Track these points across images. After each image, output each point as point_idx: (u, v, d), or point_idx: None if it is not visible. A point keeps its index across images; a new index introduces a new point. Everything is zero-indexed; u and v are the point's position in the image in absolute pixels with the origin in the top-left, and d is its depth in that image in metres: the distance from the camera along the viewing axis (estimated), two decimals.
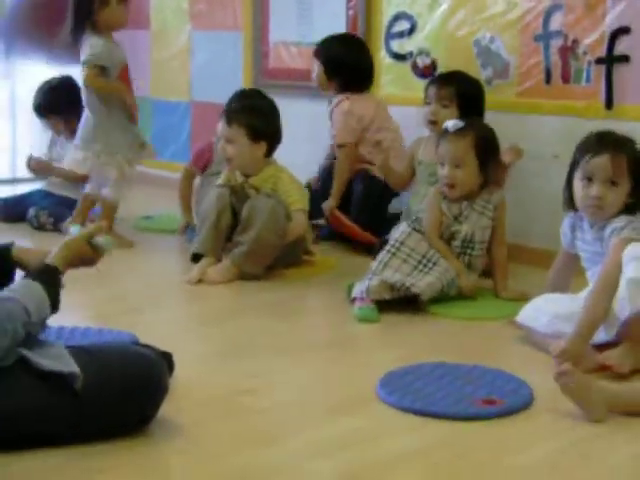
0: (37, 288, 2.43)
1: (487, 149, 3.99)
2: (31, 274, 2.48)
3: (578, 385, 2.71)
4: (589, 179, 3.35)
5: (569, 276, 3.64)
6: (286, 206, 4.31)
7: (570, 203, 3.48)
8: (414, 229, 3.92)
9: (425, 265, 3.85)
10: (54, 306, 2.49)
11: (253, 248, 4.19)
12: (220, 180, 4.47)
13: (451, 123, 4.02)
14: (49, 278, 2.50)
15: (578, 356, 3.02)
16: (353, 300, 3.77)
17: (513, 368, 3.09)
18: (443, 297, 3.86)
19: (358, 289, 3.76)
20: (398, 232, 3.94)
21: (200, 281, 4.18)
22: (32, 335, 2.42)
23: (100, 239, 2.69)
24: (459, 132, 3.98)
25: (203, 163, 5.13)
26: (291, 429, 2.67)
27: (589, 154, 3.36)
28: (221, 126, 4.47)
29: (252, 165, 4.40)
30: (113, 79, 4.86)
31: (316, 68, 5.10)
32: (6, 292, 2.37)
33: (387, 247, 3.87)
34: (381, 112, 5.00)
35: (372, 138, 4.92)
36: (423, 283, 3.76)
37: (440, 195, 4.02)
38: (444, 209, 3.99)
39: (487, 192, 4.02)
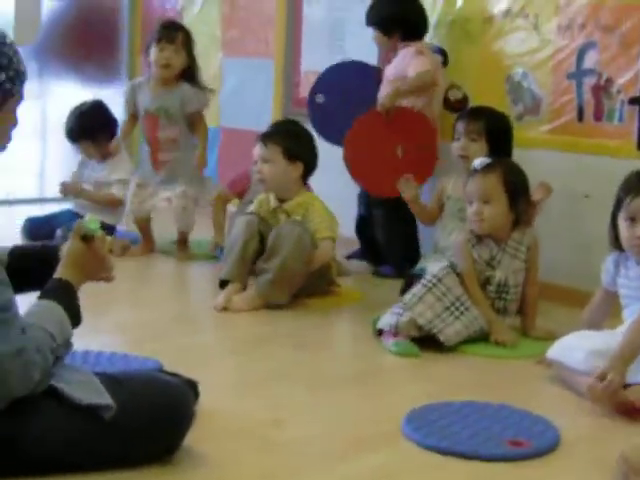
0: (56, 308, 2.42)
1: (516, 185, 3.94)
2: (46, 293, 2.46)
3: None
4: (632, 219, 3.34)
5: (605, 314, 3.60)
6: (313, 233, 4.30)
7: (615, 242, 3.45)
8: (452, 269, 3.86)
9: (457, 308, 3.78)
10: (75, 320, 2.48)
11: (278, 276, 4.19)
12: (252, 207, 4.46)
13: (478, 161, 4.01)
14: (63, 293, 2.48)
15: (617, 381, 2.99)
16: (380, 333, 3.75)
17: (541, 409, 3.06)
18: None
19: (386, 322, 3.74)
20: (437, 268, 3.86)
21: (226, 308, 4.17)
22: (60, 359, 2.41)
23: (83, 227, 2.63)
24: (487, 168, 3.96)
25: (240, 189, 5.15)
26: (315, 463, 2.65)
27: (631, 194, 3.35)
28: (257, 149, 4.46)
29: (287, 187, 4.41)
30: None
31: (375, 35, 5.09)
32: (29, 318, 2.36)
33: (424, 281, 3.80)
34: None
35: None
36: (451, 331, 3.72)
37: (469, 242, 3.95)
38: (475, 255, 3.94)
39: (519, 232, 3.96)
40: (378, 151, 4.85)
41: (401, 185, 4.50)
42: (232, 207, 5.32)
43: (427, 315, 3.72)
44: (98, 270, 2.64)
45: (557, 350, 3.40)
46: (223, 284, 4.32)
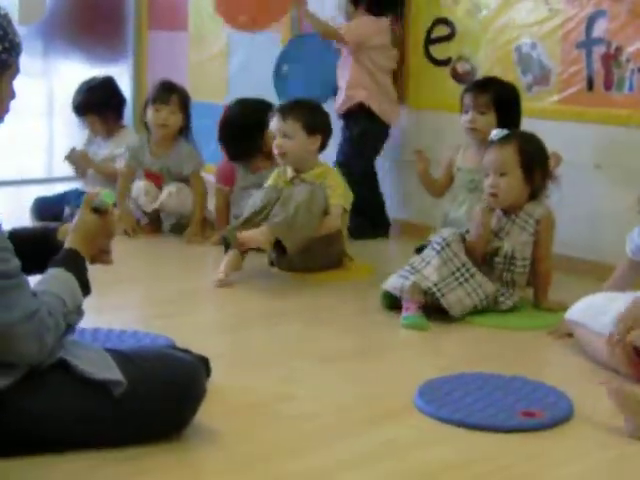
0: (66, 276, 2.42)
1: (533, 157, 3.89)
2: (56, 262, 2.46)
3: (628, 398, 2.65)
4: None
5: (629, 284, 3.57)
6: (326, 197, 4.31)
7: None
8: (462, 237, 3.87)
9: (462, 274, 3.78)
10: (85, 290, 2.47)
11: (290, 220, 4.17)
12: (270, 180, 4.46)
13: (495, 132, 3.97)
14: (74, 263, 2.48)
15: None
16: (391, 305, 3.75)
17: (553, 379, 3.05)
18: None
19: (391, 283, 3.78)
20: (447, 232, 3.87)
21: (227, 275, 4.19)
22: (72, 327, 2.40)
23: (97, 199, 2.61)
24: (503, 140, 3.92)
25: (230, 180, 5.14)
26: (327, 438, 2.64)
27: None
28: (275, 123, 4.44)
29: (306, 160, 4.43)
30: None
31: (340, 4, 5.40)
32: (39, 286, 2.36)
33: (433, 244, 3.82)
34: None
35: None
36: (453, 297, 3.72)
37: (489, 212, 3.92)
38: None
39: (532, 205, 3.91)
40: None
41: (417, 157, 4.51)
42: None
43: (433, 278, 3.71)
44: (106, 245, 2.63)
45: (580, 311, 3.35)
46: (228, 246, 4.31)
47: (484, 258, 3.90)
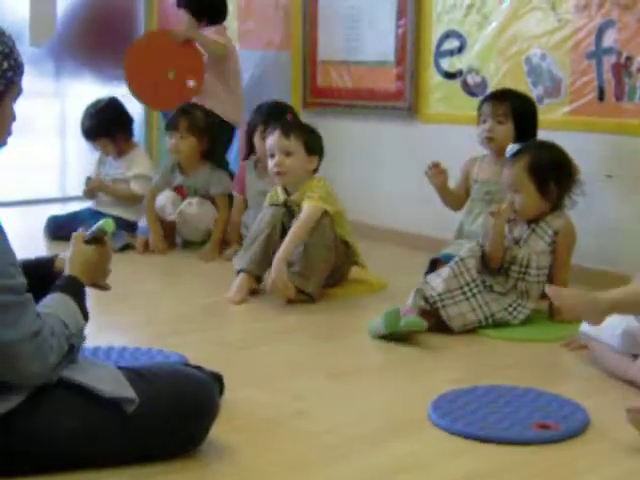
0: (68, 300, 2.43)
1: (544, 171, 3.86)
2: (58, 287, 2.47)
3: None
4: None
5: None
6: (332, 225, 4.28)
7: None
8: (478, 251, 3.87)
9: (471, 289, 3.78)
10: (84, 316, 2.48)
11: (306, 265, 4.18)
12: (267, 201, 4.44)
13: (509, 148, 3.97)
14: (74, 289, 2.49)
15: None
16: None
17: (568, 392, 3.04)
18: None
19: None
20: (464, 250, 3.89)
21: (243, 301, 4.19)
22: (76, 348, 2.40)
23: (93, 229, 2.64)
24: (514, 157, 3.92)
25: (242, 187, 5.17)
26: (342, 453, 2.63)
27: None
28: (275, 140, 4.38)
29: (301, 180, 4.36)
30: None
31: (184, 19, 5.99)
32: (41, 308, 2.36)
33: (451, 263, 3.84)
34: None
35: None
36: (455, 310, 3.72)
37: (499, 217, 3.89)
38: (507, 231, 3.93)
39: (553, 216, 3.90)
40: (153, 68, 5.87)
41: (430, 173, 4.48)
42: None
43: (438, 288, 3.72)
44: (104, 271, 2.68)
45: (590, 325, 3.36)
46: (240, 273, 4.32)
47: (501, 266, 3.89)
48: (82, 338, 2.45)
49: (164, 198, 5.31)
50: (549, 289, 3.18)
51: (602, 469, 2.54)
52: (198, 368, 2.70)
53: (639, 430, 2.64)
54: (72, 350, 2.38)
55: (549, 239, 3.88)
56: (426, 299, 3.73)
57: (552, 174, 3.88)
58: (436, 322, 3.72)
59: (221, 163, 5.64)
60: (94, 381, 2.38)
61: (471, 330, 3.75)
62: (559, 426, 2.74)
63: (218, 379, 2.78)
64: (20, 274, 2.27)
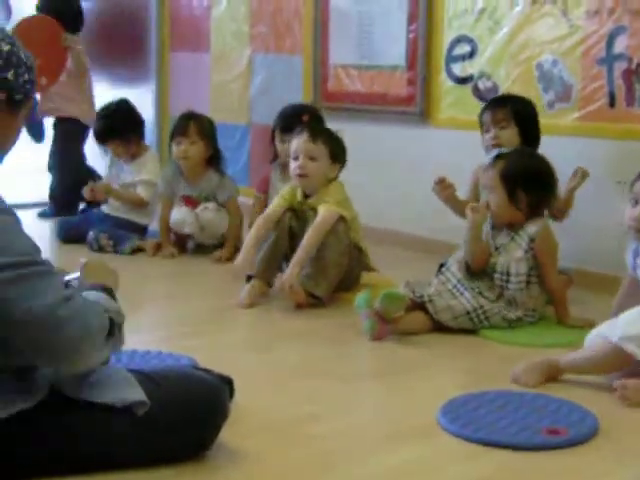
0: (95, 292, 2.45)
1: (514, 179, 3.89)
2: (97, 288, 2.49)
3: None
4: (636, 201, 3.39)
5: (635, 302, 3.56)
6: (346, 230, 4.29)
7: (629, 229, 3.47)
8: (462, 259, 3.97)
9: (458, 289, 3.86)
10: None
11: (319, 269, 4.20)
12: (279, 200, 4.43)
13: (493, 152, 4.05)
14: (101, 289, 2.50)
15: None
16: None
17: (577, 397, 3.04)
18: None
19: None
20: (451, 257, 4.03)
21: (251, 305, 4.20)
22: (118, 327, 2.40)
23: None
24: (493, 160, 3.99)
25: (264, 187, 5.16)
26: (351, 457, 2.64)
27: (636, 177, 3.41)
28: (301, 143, 4.37)
29: (320, 186, 4.37)
30: None
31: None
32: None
33: (437, 273, 3.99)
34: None
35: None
36: (442, 303, 3.80)
37: (478, 222, 3.96)
38: (489, 239, 3.97)
39: (531, 223, 3.92)
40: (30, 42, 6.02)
41: (436, 189, 4.50)
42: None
43: (428, 291, 3.83)
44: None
45: (589, 340, 3.38)
46: (250, 278, 4.33)
47: (485, 270, 3.94)
48: (122, 316, 2.43)
49: (181, 213, 5.30)
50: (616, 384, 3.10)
51: (611, 475, 2.54)
52: (207, 371, 2.71)
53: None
54: (113, 326, 2.36)
55: (525, 246, 3.90)
56: (414, 292, 3.81)
57: (521, 183, 3.90)
58: (431, 322, 3.79)
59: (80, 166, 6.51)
60: (105, 389, 2.38)
61: (473, 332, 3.78)
62: (569, 431, 2.74)
63: (228, 382, 2.79)
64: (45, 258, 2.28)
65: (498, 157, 3.98)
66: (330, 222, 4.24)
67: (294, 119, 4.89)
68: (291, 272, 4.13)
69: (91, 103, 6.58)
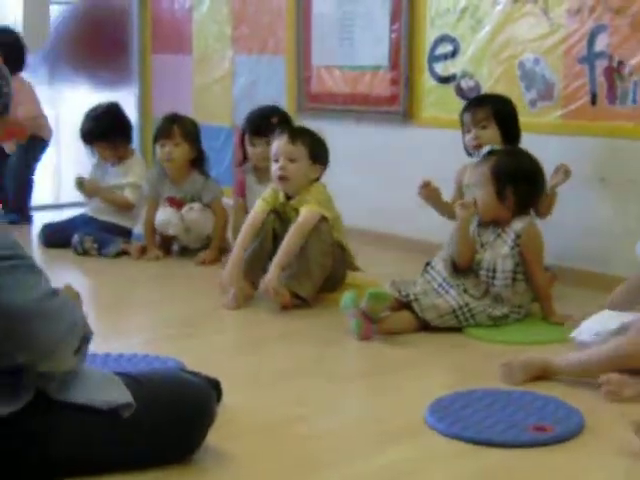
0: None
1: (504, 176, 3.92)
2: None
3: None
4: None
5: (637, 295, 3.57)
6: (329, 230, 4.30)
7: None
8: (451, 256, 3.98)
9: (443, 288, 3.88)
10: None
11: (302, 270, 4.20)
12: (262, 203, 4.43)
13: (485, 148, 4.07)
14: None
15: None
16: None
17: (563, 394, 3.05)
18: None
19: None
20: (437, 256, 4.04)
21: (239, 307, 4.20)
22: (87, 341, 2.40)
23: None
24: (485, 157, 4.03)
25: (241, 190, 5.17)
26: (341, 458, 2.64)
27: None
28: (281, 145, 4.37)
29: (302, 187, 4.36)
30: None
31: None
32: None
33: (422, 271, 4.02)
34: None
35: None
36: (427, 302, 3.81)
37: (466, 218, 3.98)
38: (475, 235, 3.99)
39: (517, 220, 3.94)
40: None
41: (423, 193, 4.53)
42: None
43: (413, 290, 3.85)
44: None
45: (583, 331, 3.40)
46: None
47: (472, 269, 3.96)
48: (91, 331, 2.42)
49: (165, 214, 5.30)
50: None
51: (598, 471, 2.56)
52: (194, 374, 2.71)
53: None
54: (86, 338, 2.37)
55: (511, 242, 3.92)
56: (400, 291, 3.84)
57: (511, 181, 3.93)
58: (417, 321, 3.80)
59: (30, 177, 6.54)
60: (91, 391, 2.38)
61: (459, 330, 3.80)
62: (555, 428, 2.75)
63: (215, 385, 2.79)
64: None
65: (490, 154, 4.00)
66: (311, 222, 4.24)
67: (263, 122, 4.93)
68: (272, 274, 4.13)
69: (45, 120, 6.56)
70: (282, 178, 4.35)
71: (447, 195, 4.59)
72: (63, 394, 2.36)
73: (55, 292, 2.25)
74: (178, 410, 2.45)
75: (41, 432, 2.33)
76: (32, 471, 2.34)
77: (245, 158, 5.15)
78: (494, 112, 4.37)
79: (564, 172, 4.27)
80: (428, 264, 4.06)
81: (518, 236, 3.91)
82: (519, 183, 3.94)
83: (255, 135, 4.98)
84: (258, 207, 4.42)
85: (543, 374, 3.22)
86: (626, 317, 3.30)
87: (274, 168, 4.37)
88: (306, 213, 4.25)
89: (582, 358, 3.19)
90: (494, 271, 3.91)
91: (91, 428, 2.37)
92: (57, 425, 2.34)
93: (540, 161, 4.04)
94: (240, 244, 4.37)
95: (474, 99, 4.64)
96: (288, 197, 4.39)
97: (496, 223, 3.97)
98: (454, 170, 4.62)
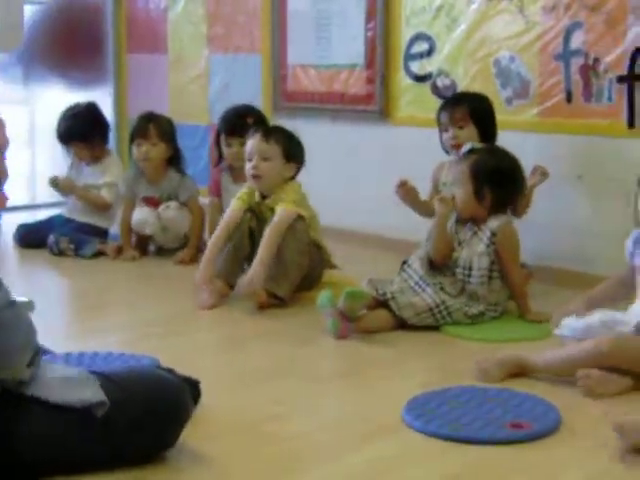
0: None
1: (482, 175, 3.93)
2: None
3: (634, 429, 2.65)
4: None
5: (627, 286, 3.56)
6: (306, 230, 4.29)
7: (636, 220, 3.49)
8: (428, 255, 4.00)
9: (420, 286, 3.89)
10: None
11: (280, 270, 4.19)
12: (237, 202, 4.42)
13: (465, 147, 4.07)
14: None
15: None
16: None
17: (540, 391, 3.06)
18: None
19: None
20: (413, 255, 4.05)
21: (215, 306, 4.19)
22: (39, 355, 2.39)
23: None
24: (465, 155, 4.04)
25: (216, 190, 5.17)
26: (317, 457, 2.64)
27: None
28: (254, 144, 4.37)
29: (276, 186, 4.35)
30: None
31: None
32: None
33: (399, 270, 4.02)
34: None
35: None
36: (404, 300, 3.80)
37: (445, 214, 4.00)
38: (452, 232, 4.00)
39: (493, 218, 3.95)
40: None
41: (400, 192, 4.54)
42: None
43: (390, 289, 3.85)
44: None
45: (565, 327, 3.41)
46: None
47: (447, 265, 3.97)
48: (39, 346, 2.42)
49: (142, 213, 5.27)
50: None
51: (575, 467, 2.55)
52: (170, 371, 2.69)
53: (623, 436, 2.62)
54: (39, 351, 2.36)
55: (487, 240, 3.93)
56: (377, 290, 3.83)
57: (489, 181, 3.94)
58: (394, 320, 3.80)
59: None
60: (64, 389, 2.36)
61: (436, 329, 3.80)
62: (532, 425, 2.75)
63: (194, 385, 2.78)
64: None
65: (470, 152, 4.01)
66: (287, 221, 4.23)
67: (238, 122, 4.96)
68: (257, 273, 4.11)
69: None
70: (255, 177, 4.34)
71: (424, 193, 4.59)
72: (35, 390, 2.34)
73: (13, 303, 2.23)
74: (153, 406, 2.44)
75: (10, 428, 2.30)
76: (3, 473, 2.32)
77: (221, 158, 5.14)
78: (471, 111, 4.38)
79: (541, 174, 4.28)
80: (405, 262, 4.05)
81: (494, 234, 3.91)
82: (497, 183, 3.94)
83: (230, 135, 4.99)
84: (234, 206, 4.41)
85: (520, 371, 3.22)
86: (605, 315, 3.30)
87: (248, 167, 4.36)
88: (282, 212, 4.24)
89: (561, 356, 3.19)
90: (470, 269, 3.91)
91: (64, 426, 2.35)
92: (27, 421, 2.32)
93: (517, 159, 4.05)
94: (214, 242, 4.36)
95: (451, 98, 4.64)
96: (263, 196, 4.38)
97: (473, 221, 3.98)
98: (430, 169, 4.62)
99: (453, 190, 4.01)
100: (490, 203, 3.93)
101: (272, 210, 4.31)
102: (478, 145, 4.13)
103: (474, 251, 3.92)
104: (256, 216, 4.38)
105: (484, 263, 3.90)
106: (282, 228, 4.21)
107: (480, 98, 4.50)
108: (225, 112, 5.16)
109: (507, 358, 3.25)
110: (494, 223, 3.93)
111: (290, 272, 4.21)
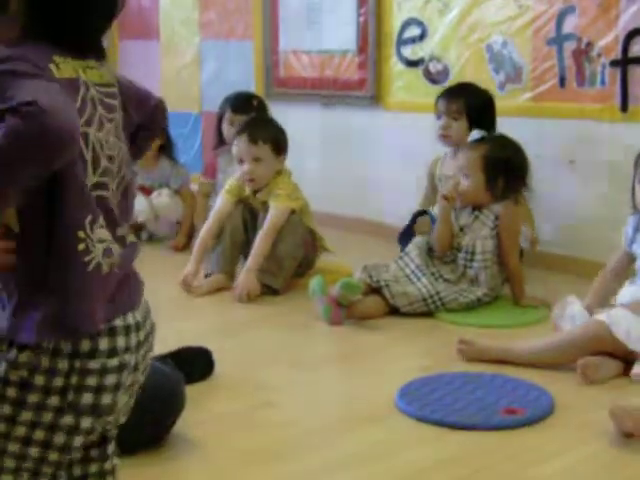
0: None
1: (496, 165, 3.92)
2: None
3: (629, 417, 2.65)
4: None
5: (621, 276, 3.56)
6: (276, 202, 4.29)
7: (635, 206, 3.48)
8: (427, 243, 4.00)
9: (415, 275, 3.88)
10: None
11: (276, 263, 4.19)
12: (227, 195, 4.40)
13: (473, 134, 4.04)
14: None
15: None
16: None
17: (534, 377, 3.05)
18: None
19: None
20: (411, 243, 4.04)
21: (205, 294, 4.21)
22: None
23: None
24: (474, 144, 3.98)
25: (212, 172, 5.16)
26: (310, 442, 2.64)
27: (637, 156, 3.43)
28: (242, 148, 4.34)
29: (268, 180, 4.35)
30: None
31: None
32: None
33: (395, 258, 4.01)
34: None
35: None
36: (398, 288, 3.80)
37: (449, 207, 3.99)
38: (452, 219, 3.98)
39: (496, 203, 3.95)
40: None
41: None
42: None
43: (384, 276, 3.84)
44: None
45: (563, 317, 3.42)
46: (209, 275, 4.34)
47: (449, 252, 3.96)
48: None
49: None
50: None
51: (568, 452, 2.56)
52: (163, 361, 2.68)
53: (619, 425, 2.61)
54: None
55: (492, 224, 3.93)
56: (371, 277, 3.82)
57: (503, 172, 3.93)
58: (387, 305, 3.80)
59: None
60: None
61: (429, 315, 3.79)
62: (526, 411, 2.75)
63: (205, 354, 2.97)
64: None
65: (480, 141, 3.97)
66: (282, 219, 4.25)
67: (244, 100, 4.98)
68: (251, 280, 4.12)
69: None
70: (251, 181, 4.34)
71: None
72: None
73: None
74: (146, 397, 2.42)
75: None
76: None
77: (221, 142, 5.13)
78: (467, 106, 4.36)
79: (532, 242, 4.27)
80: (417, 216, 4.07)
81: (497, 217, 3.90)
82: (510, 175, 3.93)
83: (235, 112, 5.00)
84: (224, 199, 4.39)
85: (502, 360, 3.21)
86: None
87: (241, 171, 4.35)
88: (276, 210, 4.24)
89: (552, 342, 3.19)
90: (472, 253, 3.90)
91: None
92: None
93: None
94: (204, 237, 4.36)
95: (452, 88, 4.58)
96: (255, 190, 4.37)
97: (474, 206, 3.96)
98: (422, 154, 4.62)
99: (457, 179, 3.97)
100: (500, 192, 3.92)
101: (264, 203, 4.30)
102: (478, 134, 4.07)
103: (478, 235, 3.91)
104: (249, 208, 4.37)
105: (489, 246, 3.90)
106: (276, 228, 4.23)
107: (481, 94, 4.46)
108: (229, 95, 5.18)
109: (487, 347, 3.26)
110: (498, 207, 3.92)
111: (286, 265, 4.21)
